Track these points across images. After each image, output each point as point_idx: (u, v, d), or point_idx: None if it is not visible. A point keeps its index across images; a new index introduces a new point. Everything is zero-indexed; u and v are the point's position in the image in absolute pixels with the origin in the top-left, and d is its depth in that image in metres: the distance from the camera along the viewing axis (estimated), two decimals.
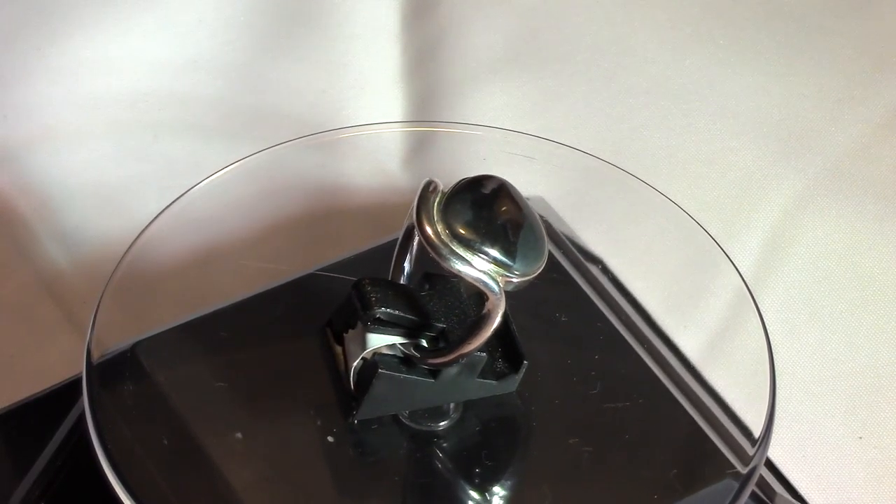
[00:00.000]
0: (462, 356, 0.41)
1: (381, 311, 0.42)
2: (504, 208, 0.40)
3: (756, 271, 0.61)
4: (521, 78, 0.68)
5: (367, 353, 0.43)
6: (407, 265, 0.44)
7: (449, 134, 0.62)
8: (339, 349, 0.44)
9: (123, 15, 0.68)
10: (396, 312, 0.42)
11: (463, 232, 0.39)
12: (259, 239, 0.55)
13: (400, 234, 0.43)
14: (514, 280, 0.40)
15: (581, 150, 0.53)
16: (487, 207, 0.40)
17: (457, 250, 0.39)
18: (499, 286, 0.39)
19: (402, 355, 0.43)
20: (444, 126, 0.63)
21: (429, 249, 0.39)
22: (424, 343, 0.43)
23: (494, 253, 0.39)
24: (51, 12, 0.68)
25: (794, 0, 0.71)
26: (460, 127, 0.60)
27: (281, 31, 0.69)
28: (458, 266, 0.39)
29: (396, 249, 0.44)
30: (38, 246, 0.61)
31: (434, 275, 0.44)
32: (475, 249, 0.39)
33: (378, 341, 0.43)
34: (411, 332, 0.43)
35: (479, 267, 0.39)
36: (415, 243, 0.43)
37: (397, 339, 0.43)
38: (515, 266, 0.39)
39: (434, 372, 0.43)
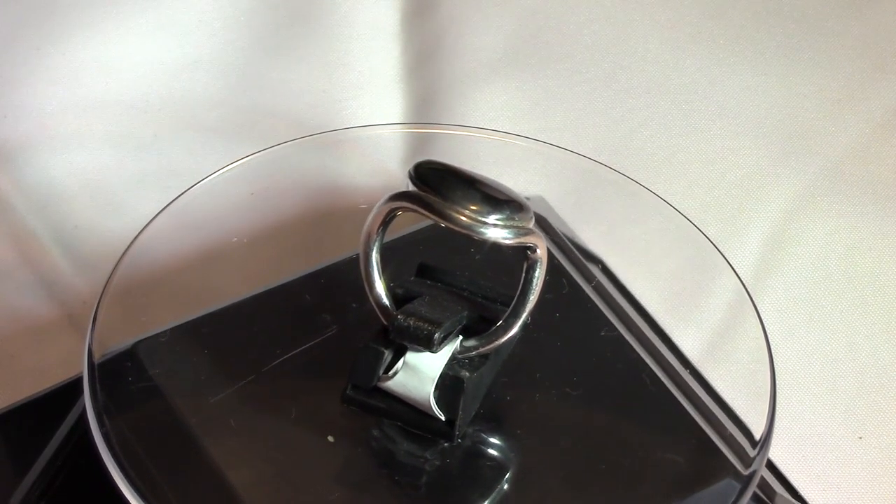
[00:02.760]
0: (529, 314, 0.43)
1: (442, 329, 0.42)
2: (479, 177, 0.42)
3: (756, 271, 0.61)
4: (521, 78, 0.68)
5: (438, 378, 0.43)
6: (379, 283, 0.44)
7: (449, 134, 0.62)
8: (373, 402, 0.44)
9: (124, 15, 0.68)
10: (449, 323, 0.43)
11: (482, 208, 0.41)
12: (259, 239, 0.55)
13: (360, 257, 0.43)
14: (533, 223, 0.42)
15: (580, 153, 0.53)
16: (475, 182, 0.42)
17: (493, 223, 0.41)
18: (536, 232, 0.42)
19: (455, 360, 0.43)
20: (445, 128, 0.63)
21: (471, 234, 0.41)
22: (462, 338, 0.43)
23: (514, 211, 0.42)
24: (51, 12, 0.68)
25: (794, 0, 0.71)
26: (461, 129, 0.60)
27: (281, 32, 0.69)
28: (501, 234, 0.41)
29: (365, 273, 0.43)
30: (38, 246, 0.61)
31: (402, 283, 0.44)
32: (503, 216, 0.41)
33: (442, 360, 0.43)
34: (460, 331, 0.43)
35: (518, 225, 0.41)
36: (376, 259, 0.43)
37: (454, 346, 0.43)
38: (529, 213, 0.42)
39: (485, 356, 0.43)
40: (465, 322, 0.44)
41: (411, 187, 0.42)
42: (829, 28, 0.70)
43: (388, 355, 0.43)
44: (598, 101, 0.67)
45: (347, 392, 0.44)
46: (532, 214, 0.42)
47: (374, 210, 0.43)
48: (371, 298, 0.43)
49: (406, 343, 0.43)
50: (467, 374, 0.43)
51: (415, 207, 0.42)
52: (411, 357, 0.43)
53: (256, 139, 0.64)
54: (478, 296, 0.45)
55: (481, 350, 0.43)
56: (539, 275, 0.42)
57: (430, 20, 0.70)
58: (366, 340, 0.43)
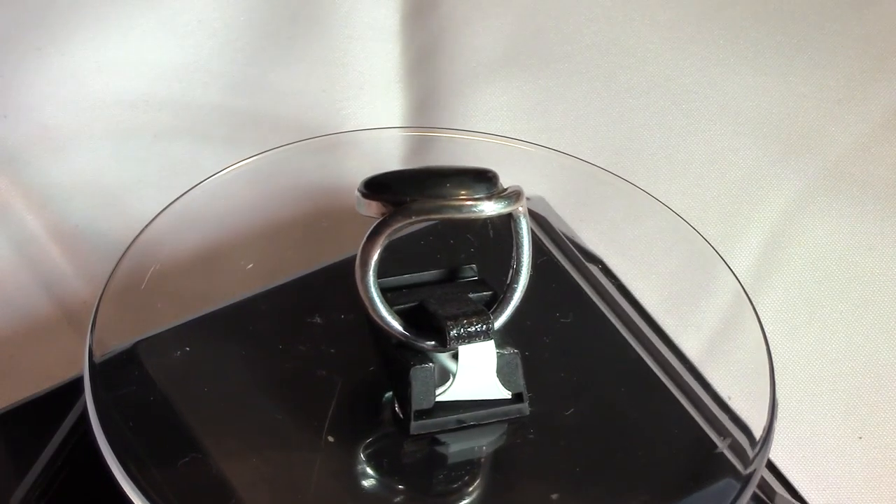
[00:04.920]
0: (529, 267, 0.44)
1: (491, 316, 0.43)
2: (435, 168, 0.44)
3: (756, 271, 0.61)
4: (521, 78, 0.68)
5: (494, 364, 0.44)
6: (392, 317, 0.43)
7: (448, 137, 0.62)
8: (442, 418, 0.44)
9: (123, 16, 0.68)
10: (483, 306, 0.43)
11: (472, 189, 0.42)
12: (259, 239, 0.55)
13: (362, 293, 0.43)
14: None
15: (577, 157, 0.54)
16: (445, 173, 0.43)
17: (486, 198, 0.42)
18: (517, 189, 0.44)
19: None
20: (444, 131, 0.63)
21: (474, 217, 0.42)
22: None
23: (495, 181, 0.43)
24: (51, 13, 0.68)
25: (793, 0, 0.71)
26: (460, 132, 0.60)
27: (280, 32, 0.69)
28: (494, 206, 0.42)
29: (371, 306, 0.43)
30: (38, 246, 0.61)
31: (394, 300, 0.44)
32: (491, 189, 0.43)
33: (491, 344, 0.43)
34: (487, 307, 0.44)
35: (502, 191, 0.43)
36: (378, 292, 0.43)
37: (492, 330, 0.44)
38: (497, 175, 0.43)
39: (497, 330, 0.44)
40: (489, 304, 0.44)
41: (371, 206, 0.42)
42: (829, 28, 0.70)
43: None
44: (598, 101, 0.67)
45: (414, 422, 0.44)
46: (497, 175, 0.43)
47: (366, 239, 0.42)
48: (388, 328, 0.43)
49: (467, 344, 0.43)
50: (510, 347, 0.43)
51: (422, 217, 0.42)
52: (464, 355, 0.43)
53: (256, 139, 0.64)
54: (455, 277, 0.45)
55: (505, 318, 0.44)
56: (526, 224, 0.43)
57: (430, 20, 0.70)
58: (410, 363, 0.43)
